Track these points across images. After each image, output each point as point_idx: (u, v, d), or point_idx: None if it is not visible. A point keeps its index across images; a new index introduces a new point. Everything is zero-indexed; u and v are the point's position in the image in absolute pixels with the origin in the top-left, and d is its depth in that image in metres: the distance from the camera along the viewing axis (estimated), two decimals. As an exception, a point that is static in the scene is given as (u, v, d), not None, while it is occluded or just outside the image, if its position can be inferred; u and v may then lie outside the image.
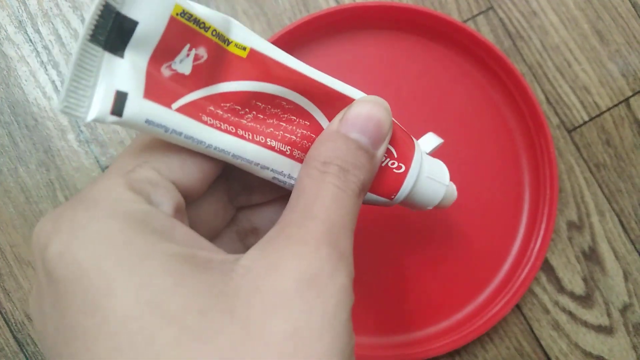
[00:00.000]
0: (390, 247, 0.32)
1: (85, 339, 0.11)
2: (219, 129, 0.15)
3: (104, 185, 0.14)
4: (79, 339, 0.11)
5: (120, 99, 0.13)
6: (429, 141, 0.27)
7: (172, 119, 0.14)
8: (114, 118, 0.13)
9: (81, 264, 0.12)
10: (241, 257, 0.13)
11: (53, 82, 0.33)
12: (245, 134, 0.16)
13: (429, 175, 0.22)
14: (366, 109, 0.17)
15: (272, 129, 0.16)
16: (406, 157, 0.20)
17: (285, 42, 0.32)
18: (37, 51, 0.33)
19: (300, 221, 0.14)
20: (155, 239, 0.12)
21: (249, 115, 0.16)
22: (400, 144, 0.20)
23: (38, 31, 0.33)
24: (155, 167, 0.14)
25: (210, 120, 0.15)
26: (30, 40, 0.33)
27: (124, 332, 0.11)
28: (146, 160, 0.14)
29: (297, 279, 0.13)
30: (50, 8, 0.33)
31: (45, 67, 0.33)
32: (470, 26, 0.35)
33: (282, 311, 0.12)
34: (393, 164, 0.20)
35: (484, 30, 0.35)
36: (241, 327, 0.11)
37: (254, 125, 0.16)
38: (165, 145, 0.15)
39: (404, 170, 0.20)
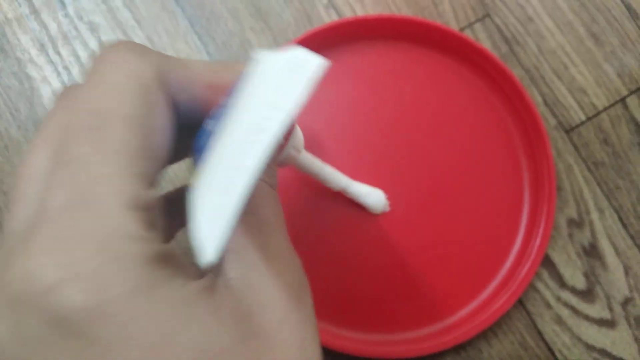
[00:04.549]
0: (394, 246, 0.33)
1: None
2: None
3: (109, 220, 0.11)
4: None
5: None
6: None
7: None
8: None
9: (129, 323, 0.11)
10: (223, 274, 0.14)
11: (74, 100, 0.35)
12: None
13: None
14: None
15: None
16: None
17: (291, 55, 0.33)
18: (58, 72, 0.35)
19: (260, 228, 0.14)
20: (180, 282, 0.12)
21: None
22: None
23: (58, 53, 0.35)
24: (150, 184, 0.13)
25: None
26: (52, 61, 0.35)
27: None
28: (135, 179, 0.12)
29: (288, 289, 0.14)
30: (70, 31, 0.35)
31: (66, 87, 0.35)
32: (468, 34, 0.36)
33: (290, 323, 0.13)
34: None
35: (482, 37, 0.36)
36: (264, 340, 0.13)
37: None
38: (140, 154, 0.13)
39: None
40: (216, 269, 0.14)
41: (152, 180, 0.13)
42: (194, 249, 0.11)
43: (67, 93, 0.14)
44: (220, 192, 0.11)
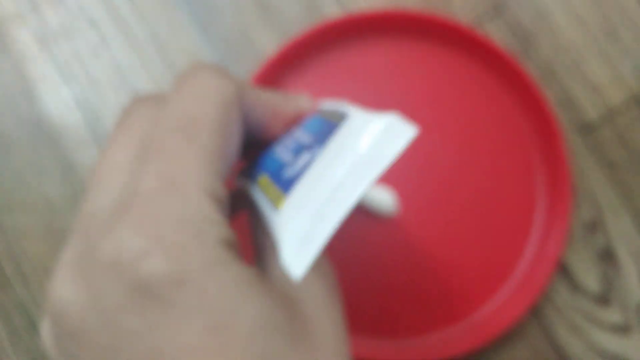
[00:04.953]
0: (401, 250, 0.32)
1: (212, 356, 0.12)
2: None
3: (194, 204, 0.13)
4: (206, 356, 0.12)
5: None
6: None
7: None
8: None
9: (204, 293, 0.12)
10: (271, 270, 0.16)
11: (74, 98, 0.34)
12: None
13: None
14: None
15: None
16: None
17: (296, 51, 0.32)
18: (59, 69, 0.34)
19: None
20: (243, 265, 0.14)
21: None
22: None
23: (59, 49, 0.34)
24: (222, 179, 0.15)
25: None
26: (53, 58, 0.34)
27: (250, 348, 0.12)
28: (214, 175, 0.14)
29: (324, 284, 0.16)
30: (71, 26, 0.34)
31: (67, 84, 0.34)
32: (479, 30, 0.35)
33: (326, 311, 0.15)
34: None
35: (493, 34, 0.35)
36: (306, 322, 0.15)
37: None
38: (214, 149, 0.14)
39: None
40: (262, 265, 0.16)
41: (224, 179, 0.15)
42: (282, 264, 0.13)
43: (151, 98, 0.16)
44: (314, 221, 0.13)
